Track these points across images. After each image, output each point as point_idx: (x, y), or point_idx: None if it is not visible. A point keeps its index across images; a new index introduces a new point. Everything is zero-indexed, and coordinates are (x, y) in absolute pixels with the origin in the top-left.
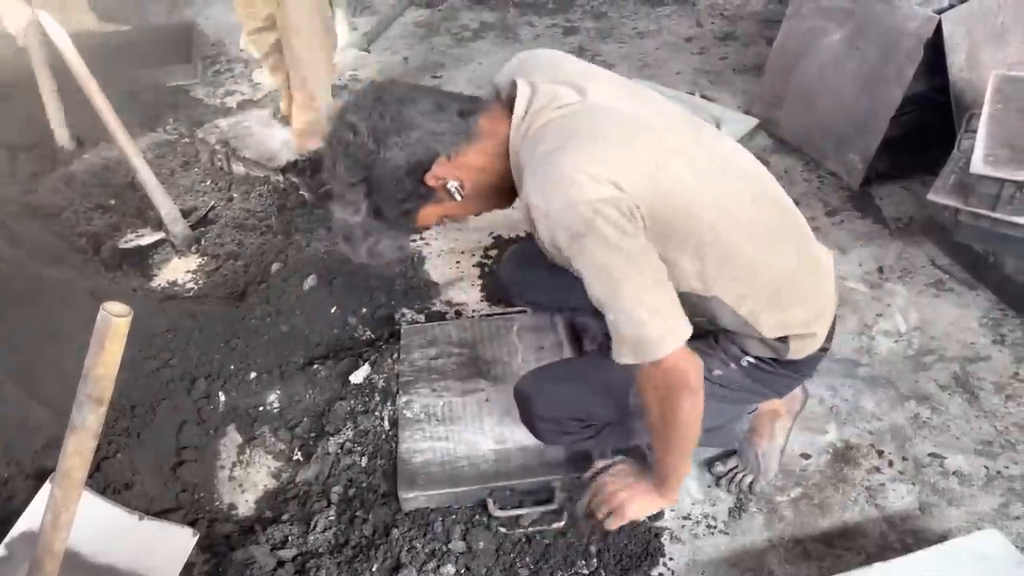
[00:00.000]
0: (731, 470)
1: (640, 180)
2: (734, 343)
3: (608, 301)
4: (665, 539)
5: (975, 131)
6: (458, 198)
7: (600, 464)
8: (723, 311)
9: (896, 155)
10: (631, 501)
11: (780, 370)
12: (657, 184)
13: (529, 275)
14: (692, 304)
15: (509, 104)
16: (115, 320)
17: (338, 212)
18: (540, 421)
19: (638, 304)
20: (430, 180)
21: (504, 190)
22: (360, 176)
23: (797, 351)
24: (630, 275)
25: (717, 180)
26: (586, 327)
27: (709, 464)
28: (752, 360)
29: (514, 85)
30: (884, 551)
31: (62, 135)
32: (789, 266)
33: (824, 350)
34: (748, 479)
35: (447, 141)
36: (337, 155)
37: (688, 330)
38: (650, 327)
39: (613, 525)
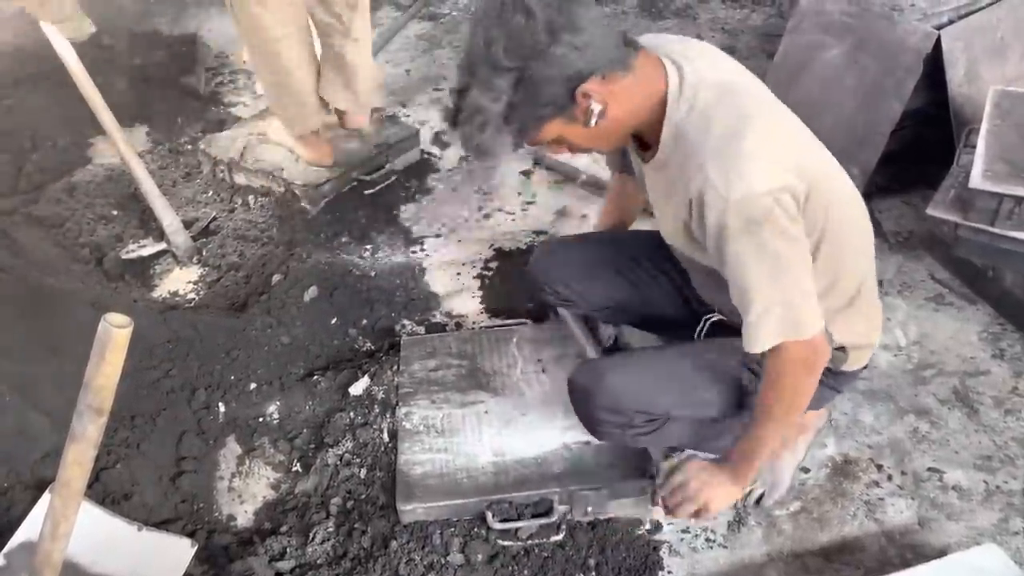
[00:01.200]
0: None
1: (801, 166)
2: None
3: (766, 286)
4: (664, 552)
5: (974, 146)
6: (592, 123)
7: (670, 464)
8: None
9: (896, 169)
10: (715, 495)
11: (829, 380)
12: (812, 173)
13: (564, 272)
14: None
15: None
16: (116, 331)
17: (475, 94)
18: (602, 411)
19: (799, 288)
20: (578, 94)
21: (626, 134)
22: (517, 63)
23: (854, 361)
24: (796, 261)
25: (835, 172)
26: (610, 334)
27: None
28: None
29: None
30: (883, 566)
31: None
32: (867, 271)
33: (864, 367)
34: (756, 494)
35: (609, 60)
36: (497, 36)
37: None
38: (808, 308)
39: (703, 521)
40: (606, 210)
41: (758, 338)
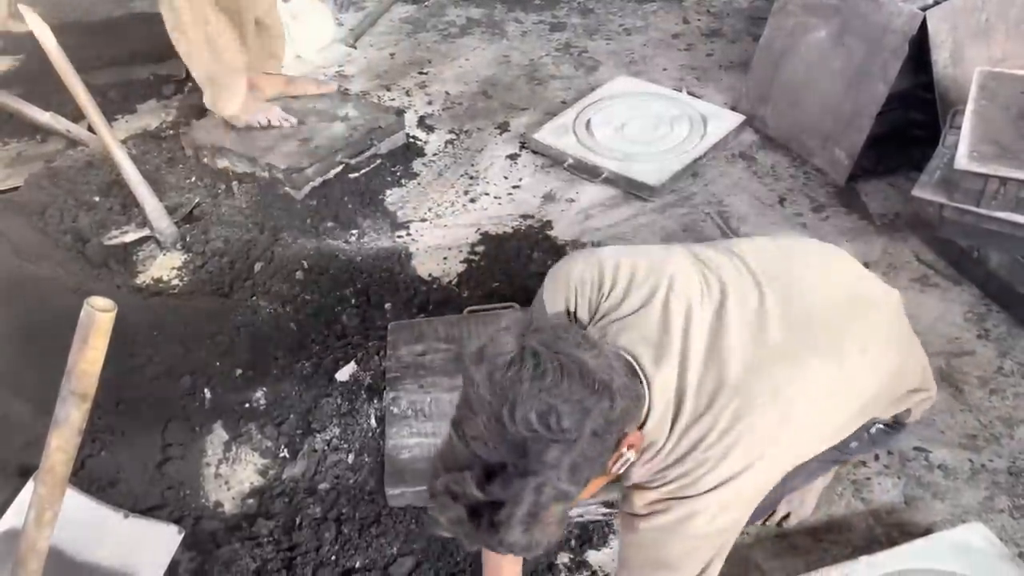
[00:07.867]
0: None
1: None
2: None
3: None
4: None
5: (960, 127)
6: (621, 470)
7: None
8: None
9: (882, 151)
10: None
11: (893, 431)
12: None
13: None
14: None
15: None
16: (99, 315)
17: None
18: None
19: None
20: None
21: None
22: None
23: (916, 413)
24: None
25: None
26: None
27: None
28: (881, 426)
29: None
30: (870, 544)
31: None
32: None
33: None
34: (780, 515)
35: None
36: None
37: None
38: None
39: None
40: None
41: None
